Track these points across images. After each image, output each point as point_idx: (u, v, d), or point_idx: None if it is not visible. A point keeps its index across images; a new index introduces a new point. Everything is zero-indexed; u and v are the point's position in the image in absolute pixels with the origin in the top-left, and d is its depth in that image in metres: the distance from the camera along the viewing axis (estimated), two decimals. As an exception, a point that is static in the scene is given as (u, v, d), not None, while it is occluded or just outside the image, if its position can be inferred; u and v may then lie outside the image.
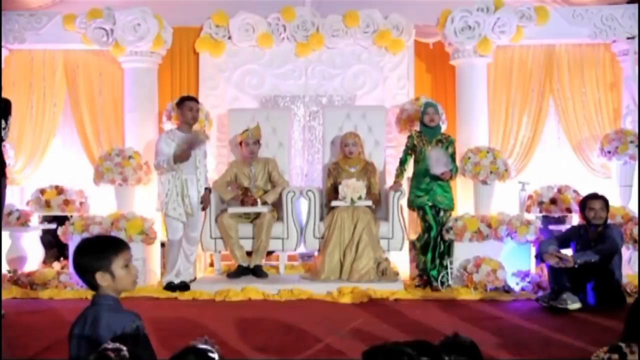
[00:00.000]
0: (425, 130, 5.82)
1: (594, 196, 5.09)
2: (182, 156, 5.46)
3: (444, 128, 6.33)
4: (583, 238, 5.07)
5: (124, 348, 1.75)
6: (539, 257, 5.06)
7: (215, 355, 1.68)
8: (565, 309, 4.66)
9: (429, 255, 5.63)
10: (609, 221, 5.22)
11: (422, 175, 5.66)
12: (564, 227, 5.75)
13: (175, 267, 5.58)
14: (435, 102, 6.12)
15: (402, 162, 5.90)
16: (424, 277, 5.61)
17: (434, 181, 5.62)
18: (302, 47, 6.67)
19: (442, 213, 5.67)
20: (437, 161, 5.57)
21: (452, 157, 5.72)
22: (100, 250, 2.32)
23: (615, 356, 1.76)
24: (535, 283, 5.36)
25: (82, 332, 2.25)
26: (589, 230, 5.05)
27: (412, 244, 5.87)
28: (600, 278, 4.89)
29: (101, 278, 2.30)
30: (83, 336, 2.24)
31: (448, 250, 5.67)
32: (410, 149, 5.84)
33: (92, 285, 2.33)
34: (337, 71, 6.79)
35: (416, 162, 5.81)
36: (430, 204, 5.64)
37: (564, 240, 5.18)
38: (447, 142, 5.77)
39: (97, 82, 6.73)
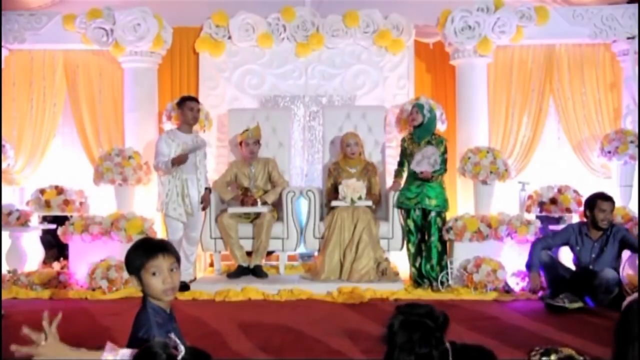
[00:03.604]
0: (414, 131, 5.82)
1: (605, 197, 4.94)
2: (179, 159, 5.47)
3: (443, 128, 6.33)
4: (585, 237, 4.96)
5: None
6: (529, 267, 4.96)
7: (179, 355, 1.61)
8: (564, 308, 4.66)
9: (418, 259, 5.63)
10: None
11: (414, 177, 5.65)
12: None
13: (176, 267, 5.58)
14: (421, 102, 6.01)
15: (400, 164, 5.92)
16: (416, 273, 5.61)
17: (426, 183, 5.59)
18: (302, 47, 6.67)
19: (433, 214, 5.62)
20: (421, 158, 5.56)
21: (442, 157, 5.66)
22: (135, 254, 2.26)
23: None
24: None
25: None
26: (591, 229, 4.94)
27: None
28: (595, 290, 4.75)
29: (133, 282, 2.28)
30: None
31: (446, 251, 5.66)
32: (404, 152, 5.85)
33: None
34: (337, 71, 6.78)
35: (409, 164, 5.80)
36: (417, 207, 5.61)
37: (561, 240, 5.10)
38: (437, 143, 5.72)
39: (97, 82, 6.72)
